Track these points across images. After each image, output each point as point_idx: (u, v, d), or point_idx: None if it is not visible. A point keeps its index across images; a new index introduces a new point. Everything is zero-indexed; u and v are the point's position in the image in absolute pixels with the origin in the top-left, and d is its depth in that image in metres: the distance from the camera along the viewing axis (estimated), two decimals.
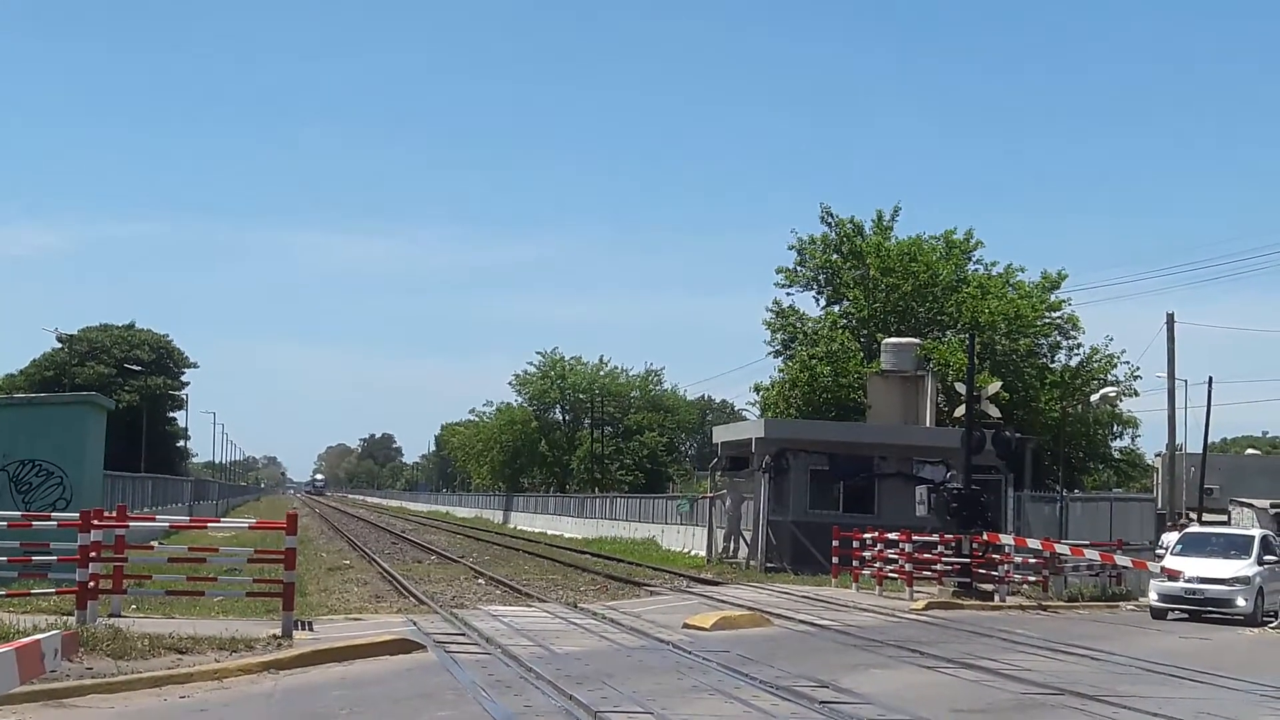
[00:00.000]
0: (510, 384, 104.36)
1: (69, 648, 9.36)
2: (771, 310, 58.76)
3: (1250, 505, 38.47)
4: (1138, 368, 54.89)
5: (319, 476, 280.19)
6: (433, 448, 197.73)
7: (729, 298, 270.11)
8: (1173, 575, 27.62)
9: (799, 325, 57.88)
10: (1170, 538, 31.49)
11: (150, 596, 20.31)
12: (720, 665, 17.01)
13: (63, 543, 18.91)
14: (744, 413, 72.22)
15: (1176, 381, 45.23)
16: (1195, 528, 32.87)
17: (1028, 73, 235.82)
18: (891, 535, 31.23)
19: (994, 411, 35.77)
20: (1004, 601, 29.54)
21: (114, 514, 19.83)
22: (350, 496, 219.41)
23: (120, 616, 18.35)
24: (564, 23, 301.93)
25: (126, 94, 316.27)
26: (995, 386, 37.94)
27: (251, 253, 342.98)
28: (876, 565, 31.45)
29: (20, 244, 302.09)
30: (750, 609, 25.22)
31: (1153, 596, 28.20)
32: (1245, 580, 27.21)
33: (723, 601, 27.61)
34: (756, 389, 58.60)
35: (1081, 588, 32.57)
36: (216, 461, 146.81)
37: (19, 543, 19.65)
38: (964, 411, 33.62)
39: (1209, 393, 44.04)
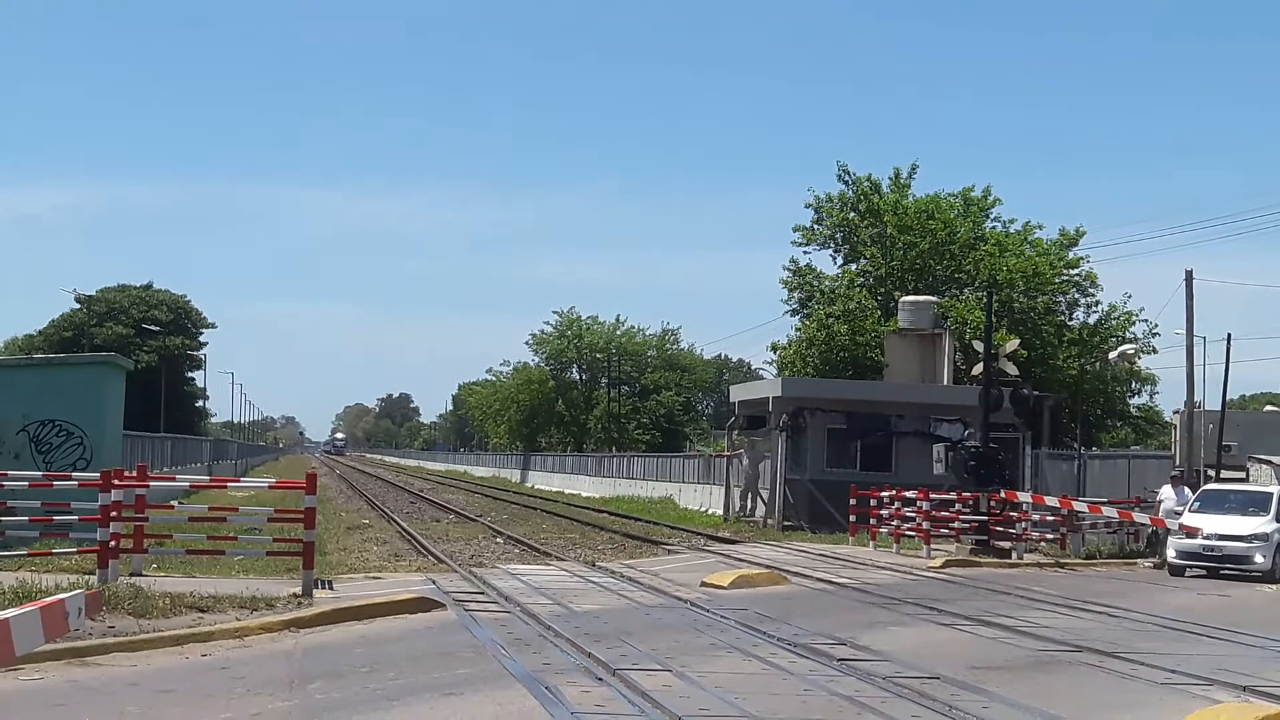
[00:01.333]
0: (527, 343, 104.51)
1: (92, 607, 9.42)
2: (788, 269, 58.66)
3: (1269, 462, 38.19)
4: (1156, 325, 54.69)
5: (339, 435, 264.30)
6: (450, 407, 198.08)
7: (746, 256, 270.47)
8: (1191, 532, 27.59)
9: (816, 284, 57.77)
10: (1166, 490, 31.10)
11: (171, 555, 20.45)
12: (738, 623, 17.07)
13: (83, 502, 19.05)
14: (761, 372, 72.41)
15: (1195, 338, 44.96)
16: (1214, 485, 32.75)
17: (1046, 31, 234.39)
18: (909, 493, 31.26)
19: (1012, 369, 35.73)
20: (1021, 559, 29.56)
21: (134, 474, 19.95)
22: (368, 456, 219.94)
23: (141, 575, 18.49)
24: None
25: (141, 55, 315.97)
26: (1013, 344, 37.90)
27: (268, 213, 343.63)
28: (894, 523, 31.51)
29: (38, 203, 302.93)
30: (768, 567, 25.28)
31: (1170, 553, 28.17)
32: (1263, 537, 27.17)
33: (740, 560, 27.68)
34: (774, 348, 58.59)
35: (1099, 545, 32.58)
36: (235, 421, 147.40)
37: (40, 502, 19.80)
38: (982, 369, 33.58)
39: (1227, 349, 43.77)
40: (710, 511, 48.06)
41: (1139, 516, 30.79)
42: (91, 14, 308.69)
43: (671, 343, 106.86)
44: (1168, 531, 28.85)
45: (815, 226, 57.67)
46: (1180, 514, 28.87)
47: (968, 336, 45.95)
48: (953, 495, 31.21)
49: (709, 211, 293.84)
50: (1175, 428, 44.15)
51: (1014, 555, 29.76)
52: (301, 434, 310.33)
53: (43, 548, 19.82)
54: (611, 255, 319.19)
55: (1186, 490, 30.63)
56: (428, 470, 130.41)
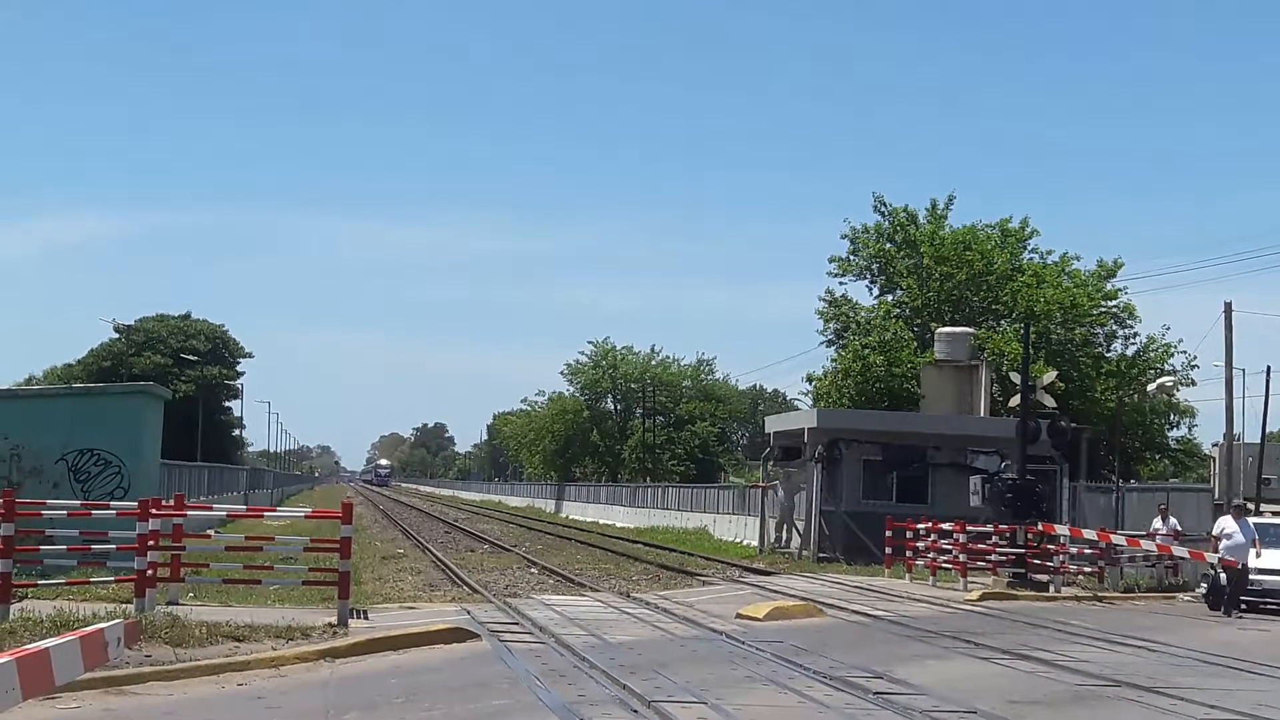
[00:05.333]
0: (562, 373, 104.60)
1: (130, 636, 9.45)
2: (824, 299, 58.57)
3: None
4: (1195, 357, 54.31)
5: (382, 462, 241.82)
6: (485, 437, 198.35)
7: (782, 287, 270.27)
8: (1231, 566, 27.30)
9: (852, 314, 57.64)
10: (1227, 522, 29.88)
11: (207, 585, 20.48)
12: (774, 655, 16.99)
13: (121, 531, 19.11)
14: (796, 402, 72.19)
15: (1234, 371, 44.82)
16: (1254, 518, 32.43)
17: (1085, 61, 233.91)
18: (945, 525, 31.06)
19: (1049, 401, 35.53)
20: (1059, 592, 29.34)
21: (171, 503, 20.03)
22: (403, 485, 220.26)
23: (178, 605, 18.53)
24: (612, 12, 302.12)
25: (180, 86, 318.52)
26: (1050, 376, 37.72)
27: (306, 243, 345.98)
28: (930, 555, 31.31)
29: (77, 233, 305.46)
30: (803, 599, 25.17)
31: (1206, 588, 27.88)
32: None
33: (775, 591, 27.56)
34: (809, 378, 58.44)
35: (1138, 579, 32.33)
36: (271, 451, 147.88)
37: (78, 531, 19.87)
38: (1019, 401, 33.41)
39: (1267, 382, 43.68)
40: (745, 543, 47.91)
41: (1178, 550, 30.51)
42: (133, 45, 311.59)
43: (706, 373, 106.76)
44: (1237, 572, 26.83)
45: (851, 257, 57.61)
46: (1241, 550, 26.81)
47: (1005, 368, 45.77)
48: (989, 527, 31.02)
49: (745, 241, 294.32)
50: (1214, 460, 43.96)
51: (1052, 588, 29.55)
52: (337, 463, 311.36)
53: (80, 576, 19.90)
54: (647, 285, 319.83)
55: (1251, 524, 28.19)
56: (462, 500, 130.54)
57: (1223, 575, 26.80)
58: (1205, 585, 28.20)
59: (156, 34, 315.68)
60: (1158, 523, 33.03)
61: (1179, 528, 32.99)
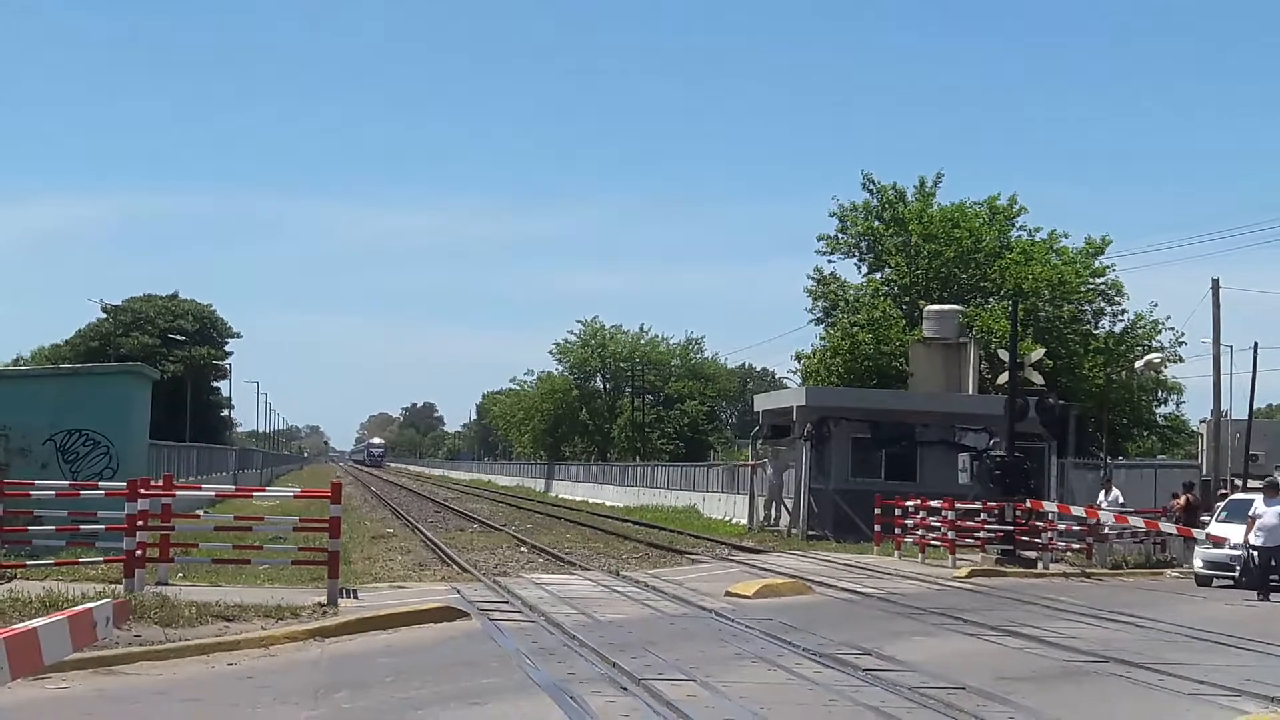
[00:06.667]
0: (551, 353, 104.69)
1: (119, 616, 9.42)
2: (813, 278, 58.57)
3: None
4: (1182, 334, 54.45)
5: (375, 441, 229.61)
6: (474, 416, 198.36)
7: (770, 266, 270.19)
8: (1218, 542, 27.38)
9: (840, 293, 57.64)
10: (1259, 504, 28.15)
11: (197, 565, 20.47)
12: (763, 633, 17.02)
13: (110, 512, 19.12)
14: (785, 381, 72.12)
15: (1222, 347, 44.78)
16: (1241, 494, 32.55)
17: (1071, 37, 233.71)
18: (934, 503, 31.13)
19: (1037, 378, 35.60)
20: (1047, 569, 29.44)
21: (160, 483, 19.99)
22: (392, 465, 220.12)
23: (167, 585, 18.51)
24: (610, 7, 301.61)
25: (167, 68, 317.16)
26: (1038, 353, 37.79)
27: (294, 224, 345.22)
28: (919, 533, 31.38)
29: (65, 215, 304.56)
30: (792, 577, 25.22)
31: (1197, 563, 27.98)
32: None
33: (765, 569, 27.62)
34: (798, 357, 58.46)
35: (1125, 555, 32.43)
36: (260, 431, 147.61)
37: (67, 512, 19.86)
38: (1007, 378, 33.52)
39: (1254, 358, 43.65)
40: (734, 521, 47.97)
41: (1165, 526, 30.62)
42: (117, 28, 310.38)
43: (695, 352, 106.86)
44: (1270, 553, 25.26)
45: (840, 235, 57.58)
46: (1277, 532, 25.02)
47: (993, 346, 45.85)
48: (978, 505, 31.10)
49: (733, 221, 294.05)
50: (1202, 437, 43.95)
51: (1040, 565, 29.65)
52: (326, 443, 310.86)
53: (69, 557, 19.88)
54: (636, 266, 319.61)
55: None
56: (452, 479, 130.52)
57: (1255, 556, 25.63)
58: (1210, 566, 27.43)
59: (141, 19, 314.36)
60: (1101, 495, 33.59)
61: (1121, 500, 33.42)
